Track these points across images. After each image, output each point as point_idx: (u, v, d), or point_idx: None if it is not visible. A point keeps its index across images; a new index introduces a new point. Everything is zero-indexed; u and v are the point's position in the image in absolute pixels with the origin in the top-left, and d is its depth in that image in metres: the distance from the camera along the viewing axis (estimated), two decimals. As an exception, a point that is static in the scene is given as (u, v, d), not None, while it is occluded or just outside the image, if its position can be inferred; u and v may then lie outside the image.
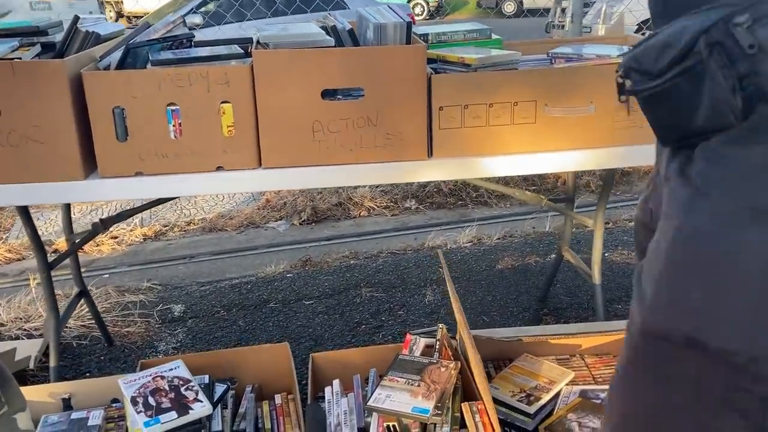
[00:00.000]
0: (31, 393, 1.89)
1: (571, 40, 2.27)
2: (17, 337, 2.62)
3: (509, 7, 17.89)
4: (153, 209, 4.17)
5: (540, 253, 3.29)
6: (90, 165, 1.68)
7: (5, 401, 1.08)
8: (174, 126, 1.67)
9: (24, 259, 3.59)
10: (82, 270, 3.33)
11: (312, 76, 1.65)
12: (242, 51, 1.74)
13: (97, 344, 2.58)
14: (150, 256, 3.61)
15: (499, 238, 3.54)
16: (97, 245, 3.67)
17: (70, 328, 2.63)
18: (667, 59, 0.81)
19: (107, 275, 3.32)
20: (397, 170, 1.74)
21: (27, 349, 2.42)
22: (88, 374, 2.40)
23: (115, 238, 3.78)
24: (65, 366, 2.45)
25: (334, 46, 1.71)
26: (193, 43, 1.83)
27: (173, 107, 1.65)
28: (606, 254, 3.23)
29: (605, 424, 0.93)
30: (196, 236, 3.90)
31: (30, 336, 2.63)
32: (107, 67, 1.73)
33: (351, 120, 1.70)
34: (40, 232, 3.82)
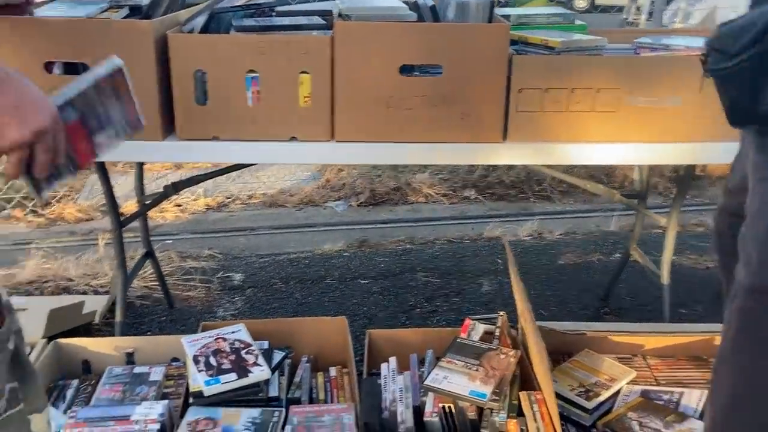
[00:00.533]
0: (98, 345, 1.95)
1: (654, 31, 2.20)
2: (84, 293, 2.70)
3: (581, 3, 17.46)
4: (217, 181, 4.25)
5: (604, 252, 3.21)
6: (168, 127, 1.71)
7: (22, 398, 0.94)
8: (252, 93, 1.68)
9: (92, 219, 3.70)
10: (147, 234, 3.44)
11: (391, 51, 1.64)
12: (323, 22, 1.73)
13: (158, 305, 2.65)
14: (211, 226, 3.67)
15: (560, 234, 3.46)
16: (162, 212, 3.76)
17: (133, 287, 2.70)
18: (744, 41, 0.82)
19: (170, 241, 3.40)
20: (470, 152, 1.72)
21: (93, 305, 2.50)
22: (149, 333, 2.47)
23: (179, 206, 3.87)
24: (128, 323, 2.51)
25: (416, 21, 1.69)
26: (275, 12, 1.83)
27: (253, 74, 1.66)
28: (674, 258, 3.11)
29: (714, 399, 0.92)
30: (257, 210, 3.95)
31: (96, 292, 2.71)
32: (191, 31, 1.75)
33: (426, 97, 1.68)
34: (120, 194, 3.95)
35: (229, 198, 4.06)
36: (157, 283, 2.65)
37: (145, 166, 4.36)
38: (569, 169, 4.08)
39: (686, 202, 4.00)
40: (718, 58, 0.88)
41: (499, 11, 2.02)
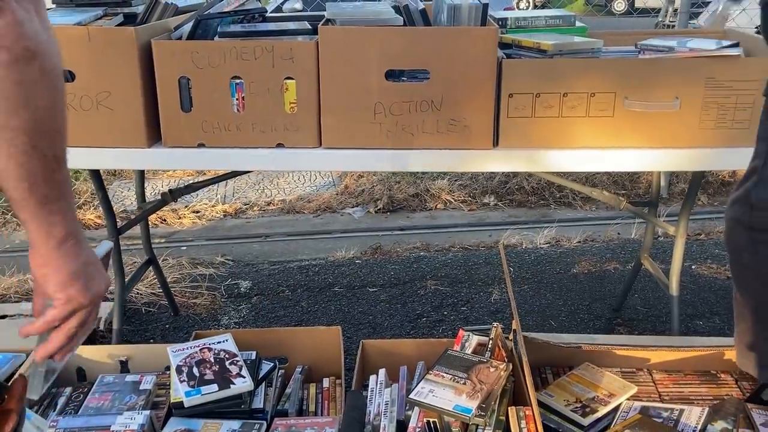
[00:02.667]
0: (93, 352, 1.96)
1: (665, 32, 2.11)
2: (93, 299, 2.73)
3: (620, 6, 17.16)
4: (235, 187, 4.27)
5: (621, 261, 3.11)
6: (155, 134, 1.70)
7: None
8: (237, 99, 1.66)
9: (112, 226, 3.75)
10: (162, 241, 3.47)
11: (376, 55, 1.61)
12: (310, 27, 1.71)
13: (164, 312, 2.65)
14: (227, 233, 3.69)
15: (579, 242, 3.37)
16: (179, 218, 3.79)
17: (140, 294, 2.72)
18: None
19: (185, 247, 3.42)
20: (460, 158, 1.67)
21: (99, 311, 2.51)
22: (151, 340, 2.47)
23: (197, 212, 3.89)
24: (132, 330, 2.53)
25: (404, 25, 1.65)
26: (264, 18, 1.82)
27: (237, 80, 1.65)
28: (693, 267, 3.01)
29: None
30: (274, 216, 3.95)
31: (104, 299, 2.73)
32: (180, 38, 1.75)
33: (414, 103, 1.64)
34: (128, 201, 4.01)
35: (246, 204, 4.07)
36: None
37: (167, 173, 4.43)
38: (591, 176, 4.00)
39: (714, 209, 3.89)
40: None
41: (503, 14, 1.97)
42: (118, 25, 1.82)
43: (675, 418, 1.64)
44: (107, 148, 1.68)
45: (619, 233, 3.48)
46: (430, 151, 1.67)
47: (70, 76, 1.63)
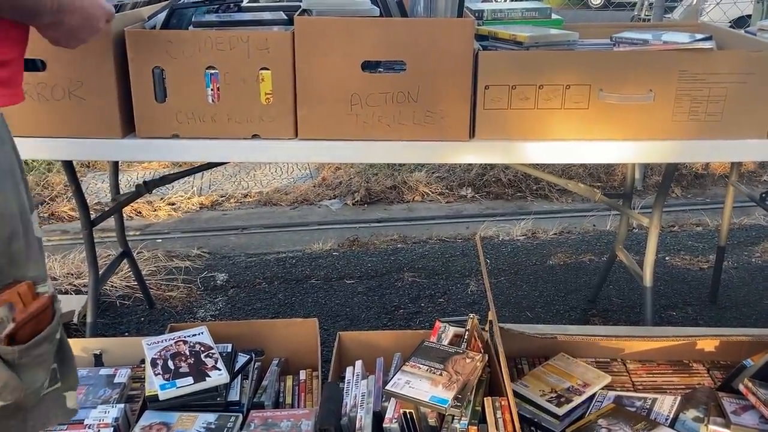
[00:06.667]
0: (64, 346, 1.93)
1: (640, 26, 2.13)
2: (66, 292, 2.69)
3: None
4: (212, 179, 4.24)
5: (596, 252, 3.14)
6: (129, 124, 1.68)
7: (60, 378, 1.08)
8: (212, 90, 1.64)
9: (85, 218, 3.70)
10: (137, 233, 3.43)
11: (352, 46, 1.60)
12: (286, 17, 1.69)
13: (139, 305, 2.63)
14: (204, 225, 3.66)
15: (555, 234, 3.40)
16: (155, 210, 3.75)
17: (115, 287, 2.69)
18: None
19: (160, 239, 3.39)
20: (436, 150, 1.67)
21: (73, 304, 2.48)
22: (126, 333, 2.45)
23: (173, 204, 3.85)
24: (106, 324, 2.50)
25: (380, 16, 1.65)
26: (240, 8, 1.80)
27: (212, 71, 1.63)
28: (667, 258, 3.05)
29: None
30: (251, 209, 3.92)
31: (78, 292, 2.70)
32: (154, 27, 1.72)
33: (391, 94, 1.63)
34: (102, 193, 3.95)
35: (223, 196, 4.04)
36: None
37: (142, 164, 4.36)
38: (567, 168, 4.03)
39: (688, 201, 3.95)
40: None
41: (474, 5, 1.97)
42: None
43: (648, 407, 1.67)
44: (80, 138, 1.65)
45: (594, 225, 3.52)
46: (407, 142, 1.66)
47: (42, 65, 1.60)
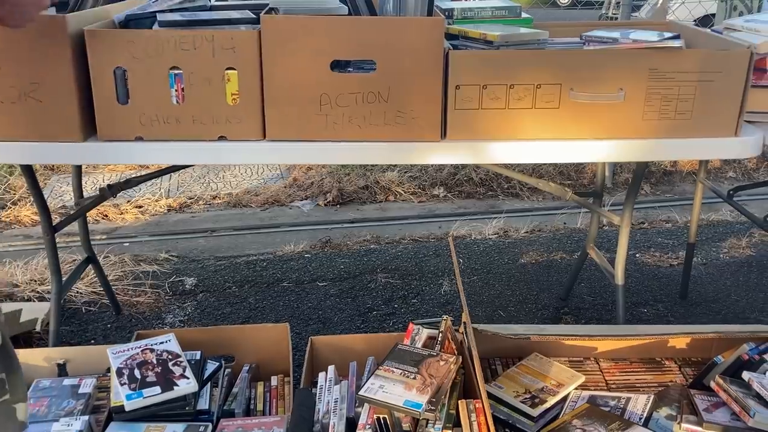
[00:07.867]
0: (26, 356, 1.86)
1: (609, 24, 2.13)
2: (29, 299, 2.61)
3: (564, -2, 17.41)
4: (180, 181, 4.16)
5: (567, 250, 3.15)
6: (90, 127, 1.63)
7: (8, 389, 1.06)
8: (176, 91, 1.60)
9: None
10: (103, 237, 3.35)
11: (321, 45, 1.56)
12: (254, 16, 1.66)
13: (105, 312, 2.56)
14: (172, 228, 3.59)
15: (526, 232, 3.41)
16: (122, 213, 3.67)
17: (81, 293, 2.62)
18: None
19: (127, 243, 3.31)
20: (407, 151, 1.65)
21: (35, 312, 2.41)
22: (92, 341, 2.38)
23: (140, 207, 3.78)
24: (72, 331, 2.44)
25: (349, 15, 1.62)
26: (209, 7, 1.75)
27: (176, 71, 1.58)
28: (637, 255, 3.08)
29: None
30: (220, 211, 3.86)
31: (42, 299, 2.63)
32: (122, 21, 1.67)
33: (361, 94, 1.60)
34: (67, 197, 3.85)
35: (191, 199, 3.97)
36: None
37: (108, 167, 4.26)
38: (537, 167, 4.04)
39: (657, 198, 3.99)
40: None
41: (443, 4, 1.95)
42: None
43: (622, 406, 1.67)
44: (38, 142, 1.59)
45: (565, 223, 3.53)
46: (378, 143, 1.64)
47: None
